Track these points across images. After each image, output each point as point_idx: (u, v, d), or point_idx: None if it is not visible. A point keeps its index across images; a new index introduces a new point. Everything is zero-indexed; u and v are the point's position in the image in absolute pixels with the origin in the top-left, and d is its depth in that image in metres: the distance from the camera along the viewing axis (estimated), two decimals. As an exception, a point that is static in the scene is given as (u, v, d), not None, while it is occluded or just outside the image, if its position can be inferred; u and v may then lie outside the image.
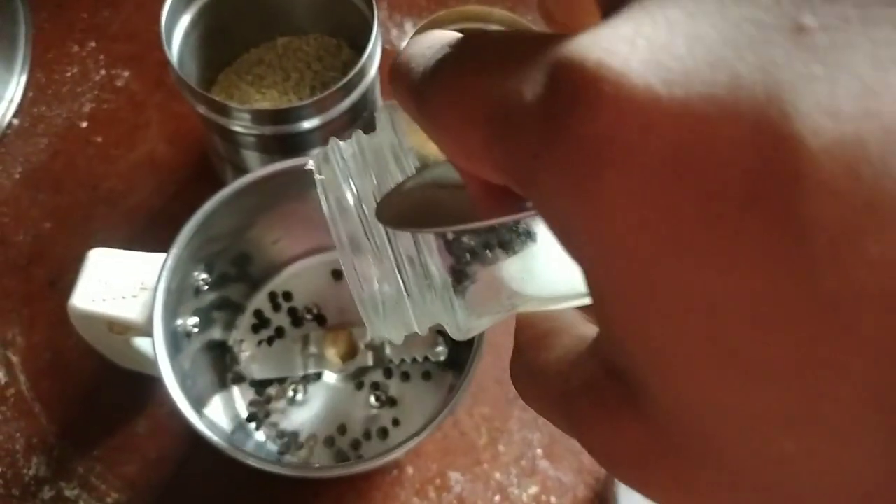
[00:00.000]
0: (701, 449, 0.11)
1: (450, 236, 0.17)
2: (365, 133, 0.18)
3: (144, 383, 0.48)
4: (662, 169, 0.10)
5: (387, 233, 0.17)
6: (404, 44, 0.54)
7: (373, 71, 0.50)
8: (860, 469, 0.10)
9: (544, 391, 0.15)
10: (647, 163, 0.10)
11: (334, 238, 0.18)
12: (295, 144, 0.50)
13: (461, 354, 0.46)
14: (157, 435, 0.51)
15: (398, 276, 0.17)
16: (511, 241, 0.17)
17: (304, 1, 0.56)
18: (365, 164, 0.18)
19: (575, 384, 0.14)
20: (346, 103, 0.49)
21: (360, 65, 0.48)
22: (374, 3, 0.50)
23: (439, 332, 0.49)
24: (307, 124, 0.48)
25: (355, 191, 0.17)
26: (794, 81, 0.09)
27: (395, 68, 0.15)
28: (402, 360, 0.49)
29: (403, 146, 0.17)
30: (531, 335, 0.17)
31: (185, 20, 0.52)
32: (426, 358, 0.49)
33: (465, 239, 0.17)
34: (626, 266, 0.11)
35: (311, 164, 0.18)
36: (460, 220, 0.15)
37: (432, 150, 0.16)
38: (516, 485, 0.50)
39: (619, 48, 0.10)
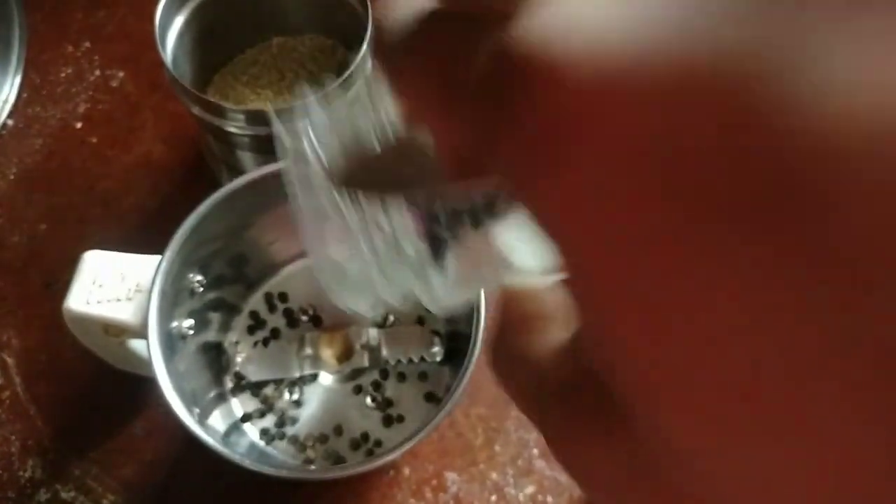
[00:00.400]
0: (690, 481, 0.10)
1: (423, 203, 0.15)
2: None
3: (140, 385, 0.48)
4: (624, 165, 0.08)
5: (352, 196, 0.16)
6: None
7: (367, 71, 0.50)
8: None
9: (519, 382, 0.13)
10: (607, 158, 0.08)
11: (294, 204, 0.16)
12: (290, 145, 0.50)
13: (457, 354, 0.46)
14: (153, 436, 0.51)
15: (364, 247, 0.16)
16: (495, 206, 0.15)
17: (299, 1, 0.56)
18: (335, 124, 0.16)
19: (552, 384, 0.12)
20: (342, 104, 0.49)
21: (354, 65, 0.48)
22: (369, 2, 0.50)
23: (435, 332, 0.49)
24: (302, 125, 0.48)
25: (319, 153, 0.16)
26: (794, 50, 0.07)
27: (374, 22, 0.14)
28: (399, 361, 0.49)
29: (378, 108, 0.16)
30: (515, 315, 0.15)
31: (180, 21, 0.52)
32: (422, 358, 0.49)
33: (440, 207, 0.15)
34: (594, 270, 0.09)
35: (276, 125, 0.17)
36: (432, 186, 0.14)
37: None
38: (513, 485, 0.50)
39: (569, 8, 0.09)
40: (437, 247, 0.16)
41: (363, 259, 0.16)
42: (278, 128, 0.17)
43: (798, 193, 0.07)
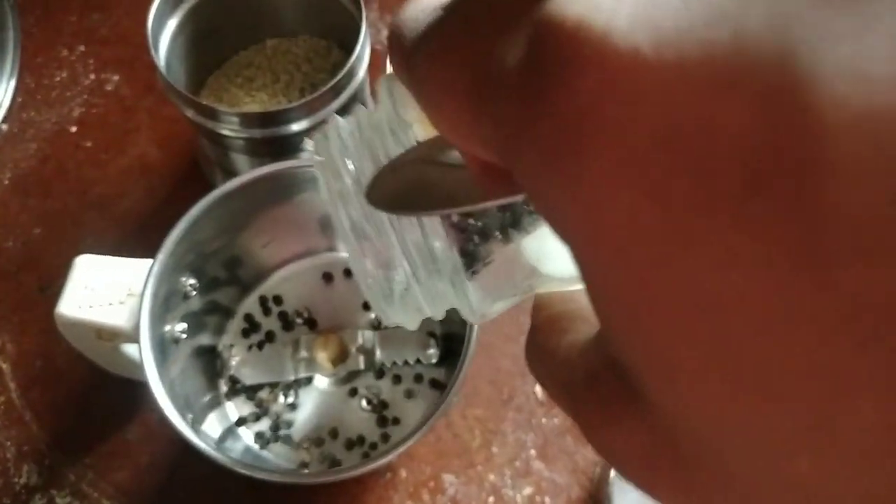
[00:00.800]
0: (707, 460, 0.10)
1: (454, 218, 0.16)
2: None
3: (135, 389, 0.48)
4: (653, 148, 0.09)
5: (388, 216, 0.16)
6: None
7: (361, 72, 0.50)
8: (884, 495, 0.09)
9: (552, 378, 0.15)
10: (635, 141, 0.09)
11: (335, 223, 0.17)
12: (284, 147, 0.50)
13: (453, 356, 0.46)
14: (148, 441, 0.51)
15: (404, 261, 0.16)
16: (523, 218, 0.16)
17: (293, 2, 0.56)
18: (363, 142, 0.16)
19: (579, 375, 0.13)
20: (336, 105, 0.48)
21: (348, 66, 0.48)
22: (362, 3, 0.50)
23: (430, 334, 0.49)
24: (296, 127, 0.48)
25: (353, 172, 0.16)
26: (811, 38, 0.08)
27: (390, 33, 0.14)
28: (394, 363, 0.49)
29: (402, 121, 0.16)
30: (546, 316, 0.16)
31: (173, 23, 0.52)
32: (418, 360, 0.48)
33: (471, 220, 0.16)
34: (615, 259, 0.09)
35: (309, 145, 0.18)
36: (460, 201, 0.14)
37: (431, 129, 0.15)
38: (510, 486, 0.49)
39: (603, 2, 0.09)
40: (469, 260, 0.16)
41: (404, 275, 0.16)
42: (312, 142, 0.17)
43: (799, 165, 0.08)
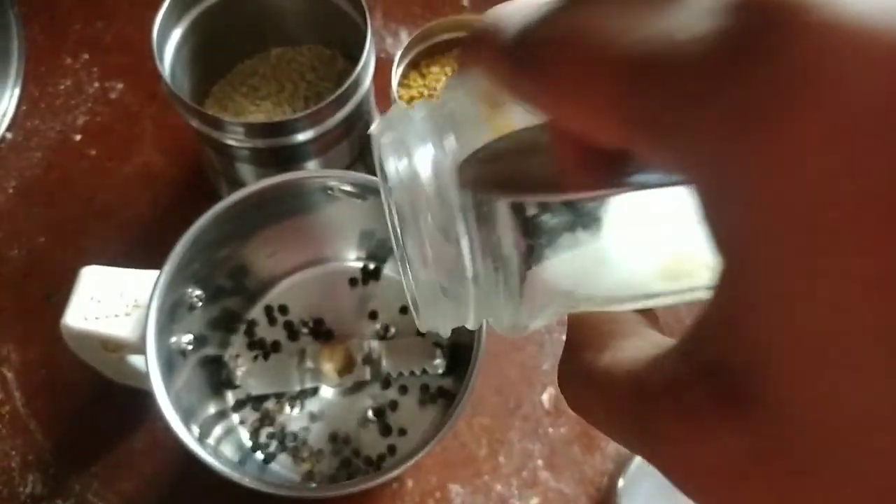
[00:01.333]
0: (836, 463, 0.10)
1: (531, 211, 0.16)
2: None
3: (141, 399, 0.48)
4: (866, 118, 0.08)
5: (458, 207, 0.16)
6: (399, 53, 0.53)
7: (367, 81, 0.49)
8: None
9: (608, 396, 0.14)
10: (848, 108, 0.09)
11: (393, 212, 0.17)
12: (290, 157, 0.50)
13: (459, 366, 0.46)
14: (154, 451, 0.51)
15: (469, 255, 0.16)
16: (579, 229, 0.16)
17: (297, 11, 0.56)
18: (437, 128, 0.16)
19: (655, 388, 0.13)
20: (341, 115, 0.48)
21: (354, 75, 0.48)
22: (368, 12, 0.50)
23: (436, 344, 0.49)
24: (301, 137, 0.48)
25: (430, 154, 0.16)
26: None
27: (478, 33, 0.14)
28: (400, 373, 0.48)
29: (481, 114, 0.16)
30: (590, 335, 0.15)
31: (177, 33, 0.52)
32: (424, 370, 0.48)
33: (545, 217, 0.16)
34: (794, 227, 0.09)
35: (374, 129, 0.18)
36: (548, 189, 0.14)
37: (505, 125, 0.16)
38: (517, 496, 0.49)
39: None
40: (528, 262, 0.16)
41: (462, 278, 0.16)
42: (375, 125, 0.17)
43: None
